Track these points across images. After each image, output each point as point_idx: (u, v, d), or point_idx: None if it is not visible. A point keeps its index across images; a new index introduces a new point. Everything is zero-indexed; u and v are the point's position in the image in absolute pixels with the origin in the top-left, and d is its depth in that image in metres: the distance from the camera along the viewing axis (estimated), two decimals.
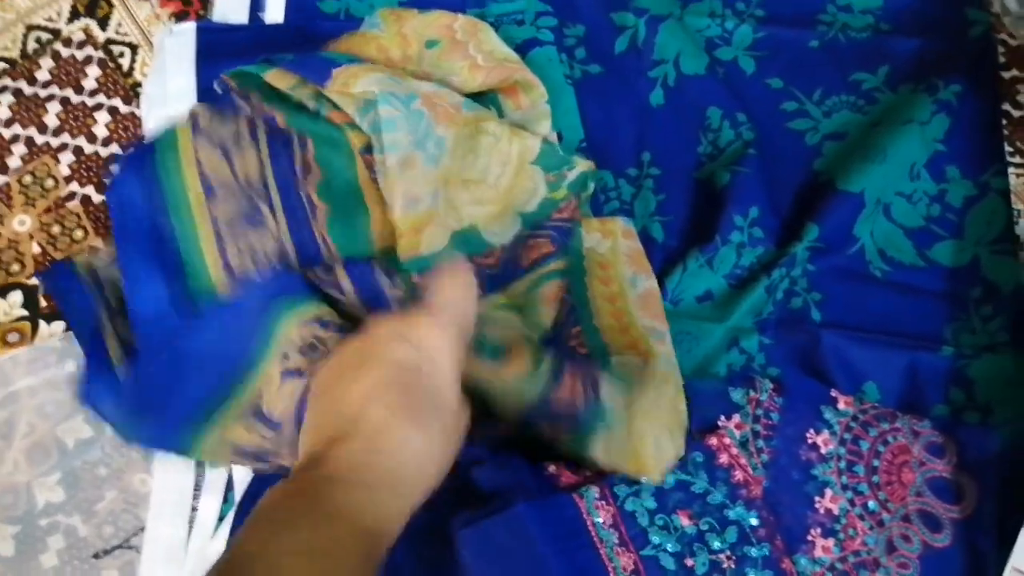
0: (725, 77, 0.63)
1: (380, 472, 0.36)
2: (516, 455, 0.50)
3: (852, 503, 0.49)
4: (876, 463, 0.50)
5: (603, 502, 0.48)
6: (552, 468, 0.50)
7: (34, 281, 0.59)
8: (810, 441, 0.51)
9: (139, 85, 0.64)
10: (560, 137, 0.60)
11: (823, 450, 0.50)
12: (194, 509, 0.53)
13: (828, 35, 0.64)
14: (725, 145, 0.60)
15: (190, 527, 0.53)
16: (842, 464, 0.50)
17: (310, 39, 0.61)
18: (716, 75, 0.63)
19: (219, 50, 0.61)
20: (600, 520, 0.47)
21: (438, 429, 0.38)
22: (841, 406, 0.52)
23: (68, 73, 0.64)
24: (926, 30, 0.63)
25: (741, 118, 0.61)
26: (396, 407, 0.37)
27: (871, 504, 0.50)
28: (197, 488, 0.54)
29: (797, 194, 0.59)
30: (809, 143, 0.61)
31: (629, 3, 0.64)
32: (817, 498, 0.49)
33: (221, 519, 0.53)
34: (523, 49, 0.61)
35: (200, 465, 0.54)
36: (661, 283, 0.55)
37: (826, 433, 0.51)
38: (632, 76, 0.63)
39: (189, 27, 0.62)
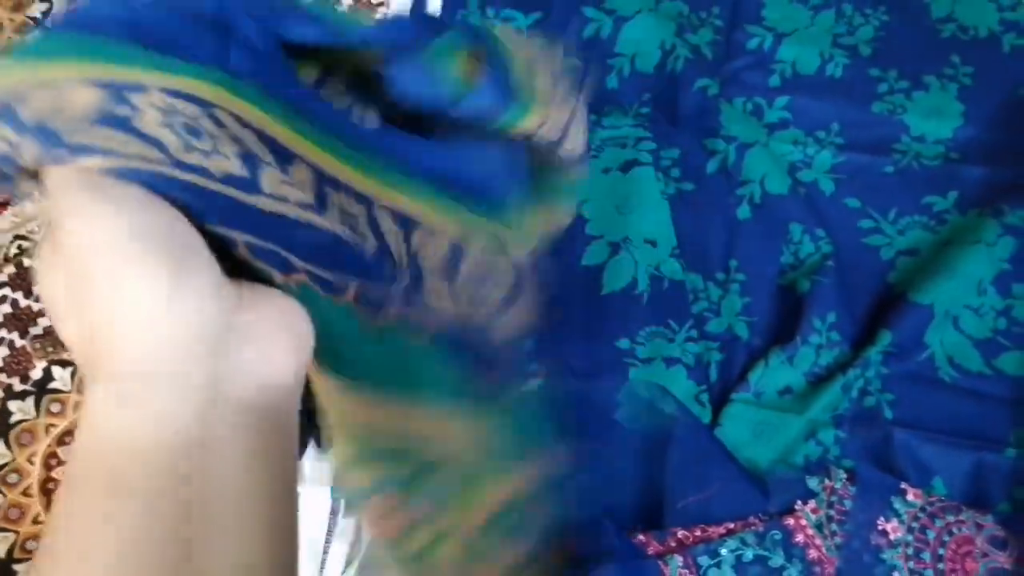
0: (806, 196, 0.70)
1: None
2: (607, 522, 0.57)
3: None
4: (941, 551, 0.54)
5: (686, 570, 0.54)
6: (641, 537, 0.56)
7: None
8: (880, 528, 0.55)
9: None
10: (655, 244, 0.68)
11: (892, 536, 0.55)
12: (325, 552, 0.61)
13: (902, 162, 0.71)
14: (805, 256, 0.67)
15: (321, 568, 0.61)
16: (910, 550, 0.55)
17: None
18: (798, 195, 0.70)
19: None
20: None
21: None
22: (910, 497, 0.56)
23: None
24: (992, 159, 0.69)
25: (820, 233, 0.68)
26: None
27: None
28: (330, 532, 0.62)
29: (872, 303, 0.65)
30: (884, 257, 0.68)
31: (719, 131, 0.73)
32: None
33: (348, 564, 0.61)
34: (624, 168, 0.70)
35: (333, 515, 0.62)
36: (745, 377, 0.62)
37: (895, 521, 0.56)
38: (721, 193, 0.71)
39: None
